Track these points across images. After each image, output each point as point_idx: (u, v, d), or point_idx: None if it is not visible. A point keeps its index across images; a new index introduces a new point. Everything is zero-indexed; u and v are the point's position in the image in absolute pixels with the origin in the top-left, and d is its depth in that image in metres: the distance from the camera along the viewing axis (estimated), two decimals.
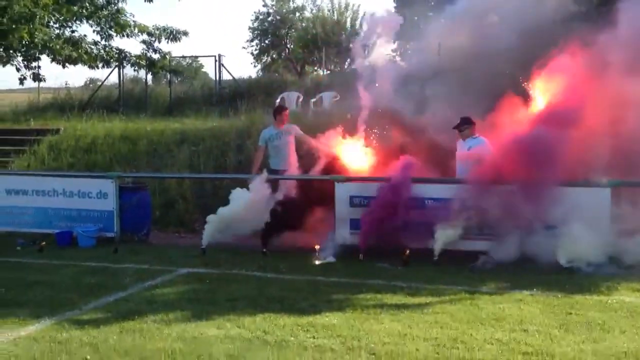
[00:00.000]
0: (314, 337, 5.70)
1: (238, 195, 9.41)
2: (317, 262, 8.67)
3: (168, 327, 6.00)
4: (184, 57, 24.67)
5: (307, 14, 39.17)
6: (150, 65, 16.79)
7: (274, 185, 9.52)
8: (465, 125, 9.21)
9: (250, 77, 24.58)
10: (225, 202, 9.54)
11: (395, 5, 41.11)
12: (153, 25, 16.33)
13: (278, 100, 17.41)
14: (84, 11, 15.60)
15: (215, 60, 20.84)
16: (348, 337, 5.68)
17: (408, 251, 8.56)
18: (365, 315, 6.30)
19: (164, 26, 16.38)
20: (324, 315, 6.30)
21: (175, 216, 11.99)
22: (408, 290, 7.24)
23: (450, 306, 6.63)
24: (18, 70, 15.77)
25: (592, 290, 7.18)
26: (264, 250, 9.30)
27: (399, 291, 7.21)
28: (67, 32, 15.98)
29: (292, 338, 5.70)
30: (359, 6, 39.22)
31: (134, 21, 16.11)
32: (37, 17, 13.98)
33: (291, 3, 39.81)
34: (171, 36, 16.33)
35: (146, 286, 7.62)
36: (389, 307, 6.60)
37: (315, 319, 6.20)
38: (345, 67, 28.88)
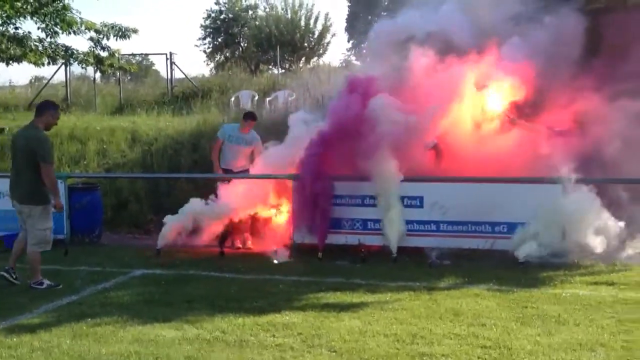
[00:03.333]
0: (274, 336, 5.65)
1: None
2: (275, 262, 8.61)
3: (123, 330, 5.84)
4: (134, 55, 24.25)
5: (261, 12, 39.01)
6: (99, 63, 16.38)
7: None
8: None
9: (203, 75, 24.34)
10: (181, 202, 9.43)
11: (349, 4, 41.33)
12: (101, 22, 15.92)
13: (232, 99, 17.26)
14: (28, 7, 15.12)
15: (167, 58, 20.59)
16: (308, 335, 5.64)
17: (363, 249, 8.68)
18: (325, 313, 6.27)
19: (112, 23, 15.99)
20: (283, 314, 6.24)
21: (128, 217, 11.74)
22: (367, 288, 7.24)
23: (409, 302, 6.65)
24: None
25: (547, 284, 7.33)
26: (222, 250, 9.19)
27: (358, 288, 7.21)
28: (11, 29, 15.48)
29: (252, 337, 5.62)
30: (313, 5, 39.25)
31: (80, 18, 15.65)
32: None
33: (244, 1, 39.60)
34: (120, 33, 15.96)
35: (99, 289, 7.43)
36: (349, 305, 6.59)
37: (275, 317, 6.14)
38: (300, 65, 28.82)
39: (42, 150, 7.21)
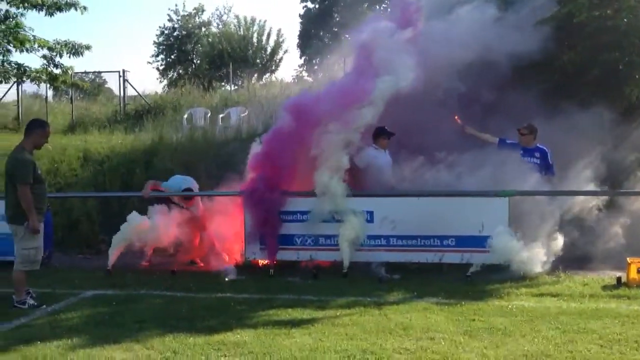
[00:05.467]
0: (225, 355, 5.64)
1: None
2: (227, 279, 8.61)
3: (73, 352, 5.78)
4: (86, 72, 24.04)
5: (214, 29, 39.03)
6: (52, 80, 16.22)
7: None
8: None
9: (156, 92, 24.20)
10: None
11: (301, 21, 41.61)
12: (54, 40, 15.80)
13: (185, 117, 17.21)
14: None
15: (120, 76, 20.45)
16: (259, 354, 5.66)
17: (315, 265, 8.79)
18: (276, 331, 6.30)
19: (65, 40, 15.88)
20: (235, 333, 6.25)
21: (80, 237, 11.56)
22: (318, 304, 7.30)
23: (359, 317, 6.72)
24: None
25: (493, 296, 7.49)
26: (173, 269, 9.15)
27: (309, 305, 7.26)
28: None
29: (203, 357, 5.61)
30: (264, 21, 39.36)
31: (33, 35, 15.55)
32: None
33: (197, 18, 39.55)
34: (73, 50, 15.86)
35: (49, 311, 7.33)
36: (300, 321, 6.63)
37: (226, 336, 6.14)
38: (253, 82, 28.86)
39: (17, 171, 7.33)
